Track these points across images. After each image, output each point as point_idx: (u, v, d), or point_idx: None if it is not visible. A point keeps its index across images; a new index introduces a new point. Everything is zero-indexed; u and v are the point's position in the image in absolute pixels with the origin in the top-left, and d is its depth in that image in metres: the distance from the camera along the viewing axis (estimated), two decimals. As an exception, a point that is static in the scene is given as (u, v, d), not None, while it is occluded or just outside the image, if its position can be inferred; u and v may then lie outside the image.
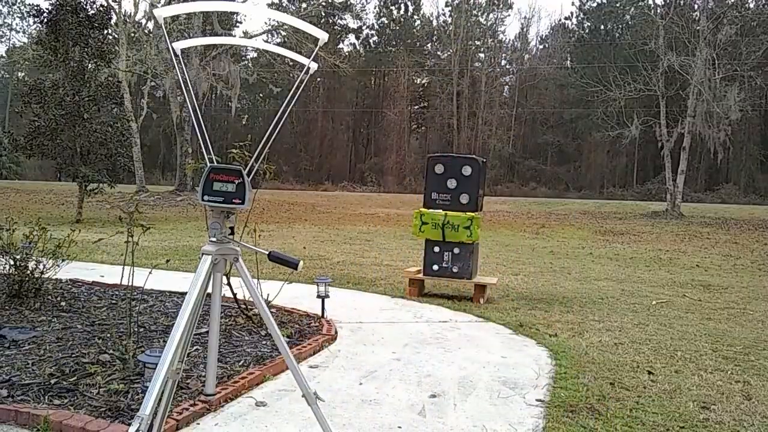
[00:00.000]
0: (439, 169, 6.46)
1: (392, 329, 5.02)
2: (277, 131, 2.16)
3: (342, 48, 48.35)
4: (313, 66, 2.19)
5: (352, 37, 50.65)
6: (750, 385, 3.77)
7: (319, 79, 43.91)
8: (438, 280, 6.63)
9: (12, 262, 4.65)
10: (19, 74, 43.57)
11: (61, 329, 4.18)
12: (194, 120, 2.16)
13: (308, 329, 4.68)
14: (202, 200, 1.97)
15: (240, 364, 3.74)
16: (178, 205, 20.75)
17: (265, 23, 37.88)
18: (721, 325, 5.76)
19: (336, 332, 4.73)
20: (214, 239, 2.02)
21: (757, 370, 4.13)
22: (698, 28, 24.99)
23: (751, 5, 28.40)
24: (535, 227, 18.94)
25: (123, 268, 3.60)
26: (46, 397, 3.01)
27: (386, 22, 50.12)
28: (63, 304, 4.90)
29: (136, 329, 3.96)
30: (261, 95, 45.56)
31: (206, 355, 2.32)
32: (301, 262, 2.05)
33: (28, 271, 4.75)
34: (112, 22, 21.88)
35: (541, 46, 51.04)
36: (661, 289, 8.07)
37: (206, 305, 2.12)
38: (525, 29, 50.40)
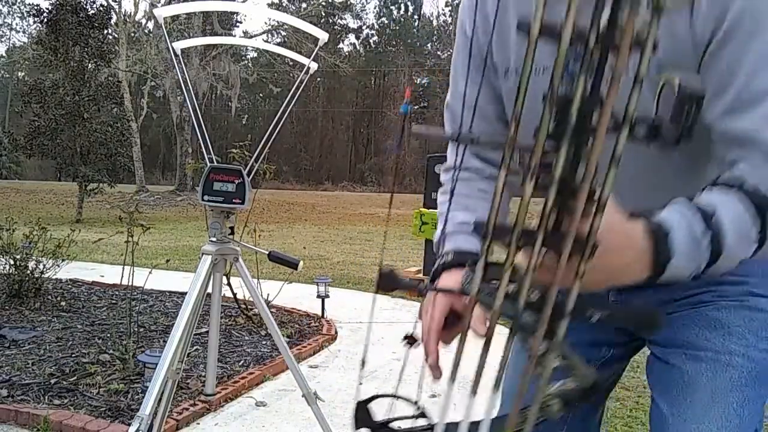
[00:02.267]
0: (439, 169, 6.46)
1: (392, 329, 5.02)
2: (277, 131, 2.16)
3: (342, 48, 48.37)
4: (313, 66, 2.19)
5: (352, 37, 50.69)
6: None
7: (319, 79, 43.91)
8: (438, 280, 6.62)
9: (12, 262, 4.65)
10: (19, 74, 43.57)
11: (61, 329, 4.18)
12: (194, 120, 2.16)
13: (308, 329, 4.69)
14: (202, 200, 1.97)
15: (240, 364, 3.74)
16: (178, 205, 20.74)
17: (265, 23, 37.91)
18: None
19: (336, 332, 4.73)
20: (214, 239, 2.02)
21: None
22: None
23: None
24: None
25: (123, 268, 3.60)
26: (46, 397, 3.02)
27: (386, 22, 50.15)
28: (63, 304, 4.90)
29: (136, 329, 3.96)
30: (261, 95, 45.55)
31: (206, 355, 2.32)
32: (301, 262, 2.05)
33: (28, 271, 4.75)
34: (112, 22, 21.90)
35: (541, 46, 50.93)
36: (661, 289, 8.06)
37: (206, 305, 2.12)
38: (525, 29, 50.43)
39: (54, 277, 5.05)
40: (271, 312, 2.35)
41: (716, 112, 0.71)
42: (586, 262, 0.32)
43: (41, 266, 4.79)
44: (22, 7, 40.43)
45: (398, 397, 0.60)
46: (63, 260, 4.84)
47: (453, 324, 0.86)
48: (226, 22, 30.76)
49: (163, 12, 2.20)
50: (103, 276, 6.29)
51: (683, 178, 0.80)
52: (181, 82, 2.11)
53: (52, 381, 3.20)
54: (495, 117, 0.98)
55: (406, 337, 0.55)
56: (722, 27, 0.70)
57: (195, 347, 3.82)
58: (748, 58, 0.69)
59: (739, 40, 0.69)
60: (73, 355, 3.63)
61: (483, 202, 0.99)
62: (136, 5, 26.65)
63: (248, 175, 1.98)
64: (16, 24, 46.64)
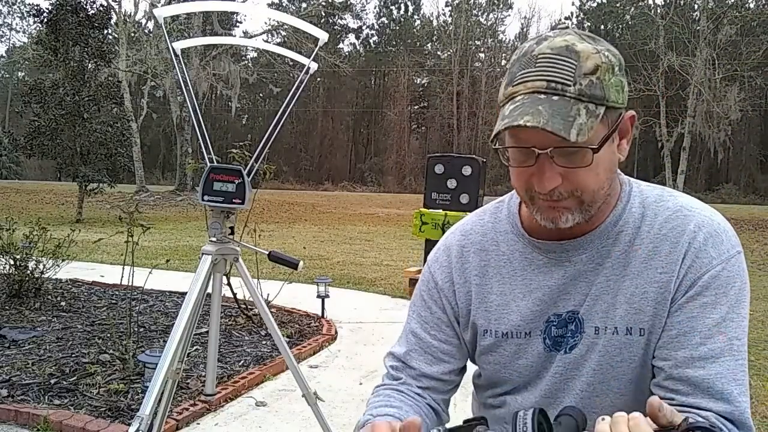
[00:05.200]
0: (439, 169, 6.45)
1: (392, 329, 5.02)
2: (277, 131, 2.15)
3: (342, 48, 48.36)
4: (313, 66, 2.19)
5: (352, 37, 50.69)
6: (750, 385, 3.76)
7: (319, 79, 43.88)
8: (438, 280, 6.61)
9: (12, 262, 4.65)
10: (19, 74, 43.55)
11: (61, 329, 4.18)
12: (194, 120, 2.16)
13: (308, 329, 4.69)
14: (202, 200, 1.97)
15: (240, 364, 3.74)
16: (178, 205, 20.73)
17: (265, 23, 37.89)
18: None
19: (336, 332, 4.73)
20: (214, 239, 2.01)
21: (757, 369, 4.13)
22: (698, 28, 25.02)
23: (751, 5, 28.41)
24: (535, 227, 18.89)
25: (123, 268, 3.60)
26: (46, 397, 3.01)
27: (386, 22, 50.14)
28: (63, 304, 4.90)
29: (136, 329, 3.96)
30: (261, 95, 45.55)
31: (206, 355, 2.32)
32: (301, 262, 2.05)
33: (28, 271, 4.75)
34: (112, 22, 21.88)
35: (541, 46, 50.86)
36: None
37: (206, 305, 2.11)
38: (525, 29, 50.36)
39: (54, 277, 5.04)
40: (271, 312, 2.35)
41: (678, 358, 0.85)
42: None
43: (41, 266, 4.79)
44: (22, 7, 40.38)
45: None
46: (63, 260, 4.84)
47: None
48: (226, 22, 30.74)
49: (163, 12, 2.20)
50: (103, 276, 6.29)
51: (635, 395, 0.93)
52: (181, 82, 2.11)
53: (52, 381, 3.20)
54: (448, 366, 1.02)
55: None
56: (694, 287, 0.85)
57: (195, 347, 3.82)
58: (705, 322, 0.84)
59: (701, 302, 0.84)
60: (73, 355, 3.62)
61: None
62: (136, 5, 26.68)
63: (248, 175, 1.98)
64: (16, 24, 46.63)
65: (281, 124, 2.16)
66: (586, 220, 0.86)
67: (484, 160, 6.94)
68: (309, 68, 2.17)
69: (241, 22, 36.97)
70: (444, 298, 1.01)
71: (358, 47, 51.16)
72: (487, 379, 1.02)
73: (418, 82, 48.51)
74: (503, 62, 47.97)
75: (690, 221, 0.88)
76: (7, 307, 4.58)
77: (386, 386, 1.02)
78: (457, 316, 1.01)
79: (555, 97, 0.77)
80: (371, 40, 51.26)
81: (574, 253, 0.91)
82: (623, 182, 0.95)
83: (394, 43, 48.86)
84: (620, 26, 42.98)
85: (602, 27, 45.01)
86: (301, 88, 2.13)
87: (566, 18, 46.49)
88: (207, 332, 2.26)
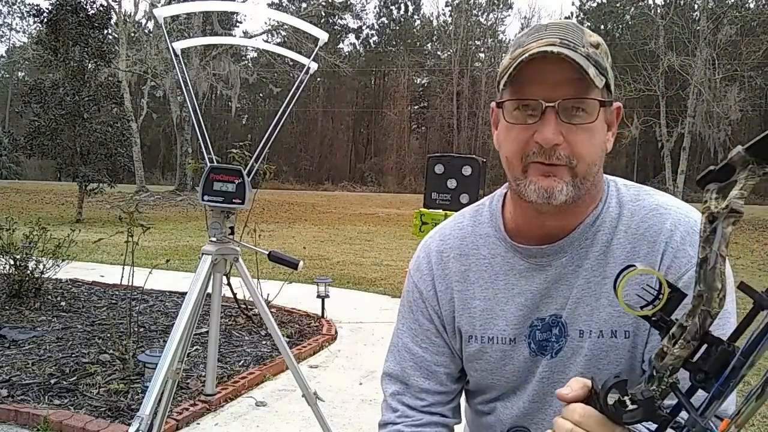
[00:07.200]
0: (439, 169, 6.44)
1: (392, 329, 5.02)
2: (277, 131, 2.15)
3: (342, 48, 48.34)
4: (313, 66, 2.19)
5: (352, 37, 50.64)
6: (750, 385, 3.75)
7: (319, 79, 43.86)
8: (438, 280, 6.62)
9: (12, 262, 4.65)
10: (19, 74, 43.54)
11: (61, 329, 4.18)
12: (194, 120, 2.16)
13: (308, 329, 4.69)
14: (202, 200, 1.97)
15: (240, 364, 3.74)
16: (178, 205, 20.72)
17: (265, 23, 37.89)
18: (721, 325, 5.74)
19: (336, 332, 4.73)
20: (214, 239, 2.02)
21: (757, 369, 4.12)
22: (698, 28, 25.04)
23: (751, 5, 28.42)
24: (535, 227, 18.86)
25: (123, 268, 3.60)
26: (46, 397, 3.02)
27: (386, 22, 50.12)
28: (63, 304, 4.90)
29: (136, 329, 3.96)
30: (261, 95, 45.52)
31: (206, 355, 2.32)
32: (301, 262, 2.05)
33: (28, 271, 4.75)
34: (112, 22, 21.88)
35: (541, 46, 50.81)
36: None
37: (206, 305, 2.11)
38: (525, 29, 50.39)
39: (54, 277, 5.04)
40: (271, 312, 2.35)
41: None
42: None
43: (41, 266, 4.79)
44: (22, 7, 40.34)
45: None
46: (63, 260, 4.84)
47: None
48: (226, 22, 30.74)
49: (163, 12, 2.20)
50: (103, 276, 6.29)
51: None
52: (181, 82, 2.11)
53: (52, 381, 3.20)
54: (445, 376, 1.02)
55: None
56: None
57: (195, 347, 3.82)
58: None
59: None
60: (73, 355, 3.63)
61: None
62: (136, 5, 26.66)
63: (248, 175, 1.98)
64: (16, 24, 46.60)
65: (281, 124, 2.16)
66: (575, 200, 0.84)
67: (484, 160, 6.94)
68: (309, 68, 2.17)
69: (241, 22, 36.99)
70: (429, 308, 1.00)
71: (358, 47, 51.16)
72: (476, 385, 1.02)
73: (418, 82, 48.48)
74: (503, 62, 47.94)
75: (666, 219, 0.87)
76: (7, 307, 4.58)
77: (390, 426, 1.00)
78: (444, 325, 1.00)
79: (569, 50, 0.80)
80: (371, 40, 51.25)
81: (555, 257, 0.91)
82: (606, 182, 0.94)
83: (394, 43, 48.83)
84: (620, 26, 42.97)
85: (602, 27, 44.98)
86: (301, 88, 2.13)
87: (566, 18, 46.45)
88: (207, 332, 2.26)
